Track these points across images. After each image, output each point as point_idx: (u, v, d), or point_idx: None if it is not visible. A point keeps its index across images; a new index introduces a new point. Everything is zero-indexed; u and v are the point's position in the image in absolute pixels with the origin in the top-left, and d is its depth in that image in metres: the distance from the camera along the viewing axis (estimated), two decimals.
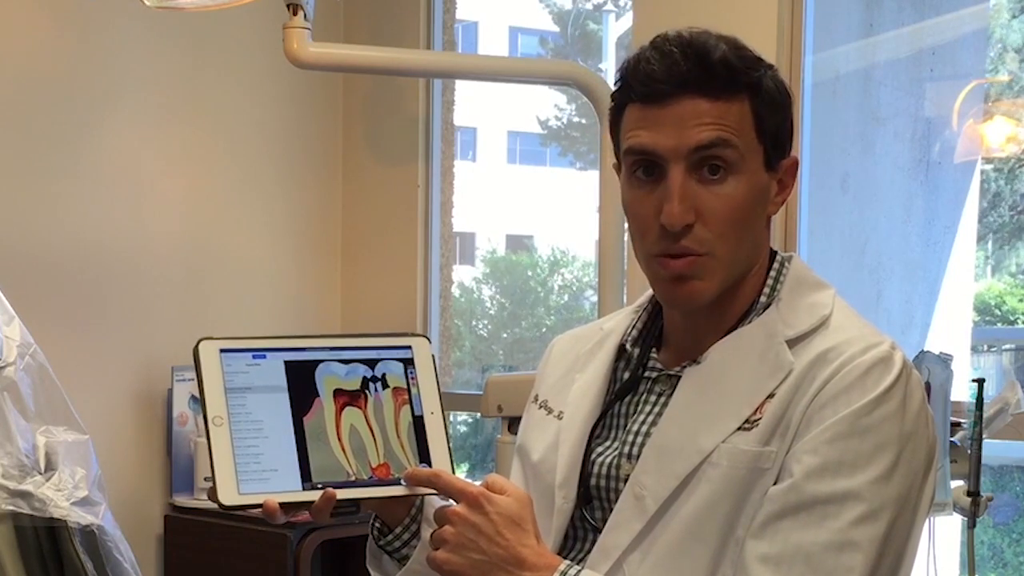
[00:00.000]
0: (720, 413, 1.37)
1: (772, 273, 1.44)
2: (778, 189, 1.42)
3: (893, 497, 1.31)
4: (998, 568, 3.42)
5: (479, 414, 3.33)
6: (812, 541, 1.29)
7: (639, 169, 1.39)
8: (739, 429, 1.35)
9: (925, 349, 2.38)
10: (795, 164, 1.43)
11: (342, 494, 1.35)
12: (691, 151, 1.36)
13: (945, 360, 2.35)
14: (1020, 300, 3.69)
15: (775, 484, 1.32)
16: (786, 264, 1.46)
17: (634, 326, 1.52)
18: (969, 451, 2.32)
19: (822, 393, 1.33)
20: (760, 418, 1.34)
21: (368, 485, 1.38)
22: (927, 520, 2.37)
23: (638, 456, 1.41)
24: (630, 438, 1.43)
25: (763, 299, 1.43)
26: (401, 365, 1.42)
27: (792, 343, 1.38)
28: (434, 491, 1.38)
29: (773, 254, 1.47)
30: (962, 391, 2.61)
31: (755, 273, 1.44)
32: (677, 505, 1.35)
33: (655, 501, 1.36)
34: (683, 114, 1.36)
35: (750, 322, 1.42)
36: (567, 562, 1.35)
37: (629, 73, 1.39)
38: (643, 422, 1.43)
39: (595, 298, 3.11)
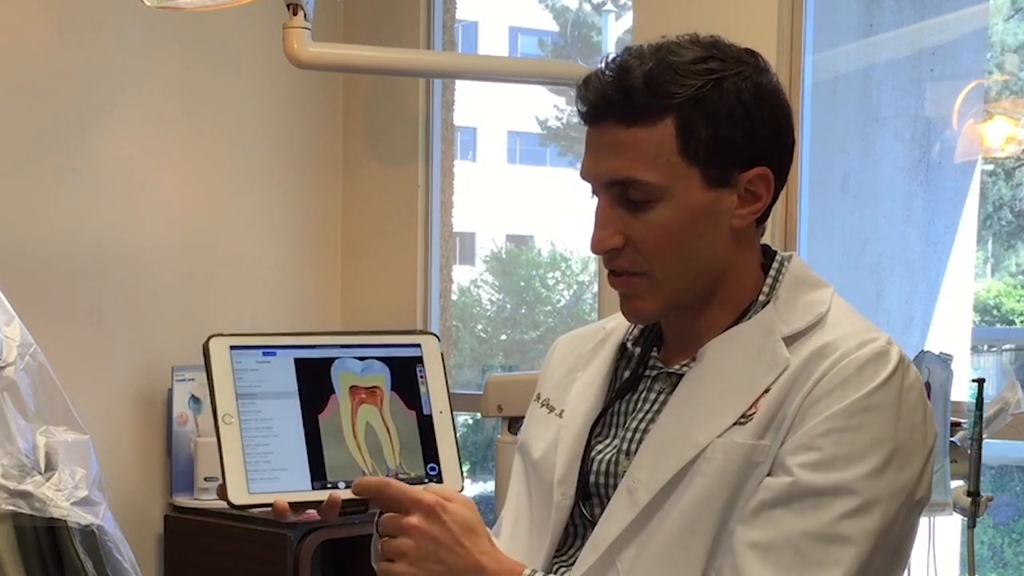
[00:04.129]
0: (716, 409, 1.37)
1: (772, 272, 1.45)
2: (742, 202, 1.39)
3: (887, 491, 1.30)
4: (998, 568, 3.42)
5: (479, 414, 3.33)
6: (803, 531, 1.29)
7: (591, 189, 1.42)
8: (735, 424, 1.35)
9: (925, 349, 2.39)
10: (764, 175, 1.38)
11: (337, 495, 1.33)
12: (607, 183, 1.38)
13: (945, 360, 2.35)
14: (1019, 300, 3.69)
15: (768, 476, 1.33)
16: (786, 263, 1.46)
17: (636, 326, 1.53)
18: (969, 451, 2.32)
19: (817, 388, 1.33)
20: (755, 412, 1.35)
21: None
22: (929, 520, 2.40)
23: (636, 452, 1.42)
24: (628, 435, 1.44)
25: (762, 298, 1.43)
26: (411, 363, 1.42)
27: (789, 340, 1.38)
28: (383, 500, 1.33)
29: (773, 253, 1.47)
30: (962, 391, 2.61)
31: (745, 275, 1.43)
32: (672, 499, 1.35)
33: (647, 494, 1.36)
34: (604, 142, 1.37)
35: (748, 320, 1.42)
36: (530, 568, 1.35)
37: (578, 91, 1.40)
38: (642, 419, 1.44)
39: (594, 301, 3.11)
